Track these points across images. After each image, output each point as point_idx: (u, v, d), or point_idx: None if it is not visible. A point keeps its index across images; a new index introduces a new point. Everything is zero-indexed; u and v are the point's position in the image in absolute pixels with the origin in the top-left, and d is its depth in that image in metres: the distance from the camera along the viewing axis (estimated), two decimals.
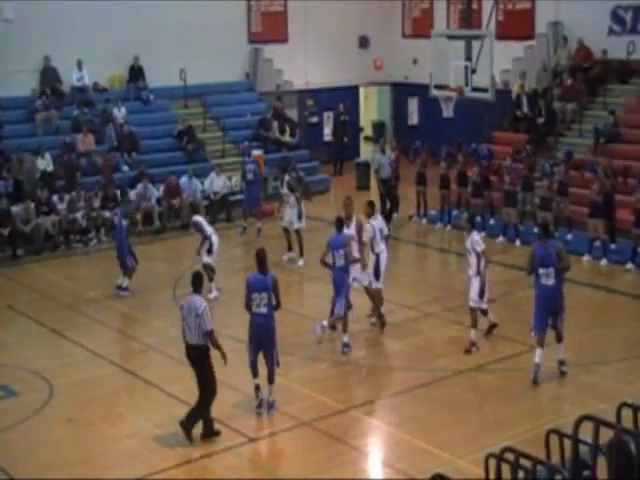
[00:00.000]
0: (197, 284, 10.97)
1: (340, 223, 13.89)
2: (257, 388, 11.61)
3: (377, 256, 14.38)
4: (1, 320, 15.91)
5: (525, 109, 24.01)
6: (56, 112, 23.05)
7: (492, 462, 7.22)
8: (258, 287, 11.37)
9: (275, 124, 25.71)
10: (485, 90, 19.45)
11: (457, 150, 22.04)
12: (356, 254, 14.01)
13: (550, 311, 12.46)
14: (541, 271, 12.35)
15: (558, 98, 23.76)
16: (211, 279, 16.07)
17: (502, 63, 23.91)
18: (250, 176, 21.08)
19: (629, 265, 17.62)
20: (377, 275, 14.38)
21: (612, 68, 23.55)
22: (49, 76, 23.63)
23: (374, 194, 24.35)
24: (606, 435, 7.15)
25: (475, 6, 25.68)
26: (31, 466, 10.45)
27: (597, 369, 12.88)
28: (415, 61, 28.78)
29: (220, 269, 16.52)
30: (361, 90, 30.55)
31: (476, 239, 13.60)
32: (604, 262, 17.96)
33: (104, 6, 23.84)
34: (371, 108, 32.04)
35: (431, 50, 20.69)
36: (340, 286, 13.59)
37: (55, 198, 20.60)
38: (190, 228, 17.53)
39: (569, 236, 18.99)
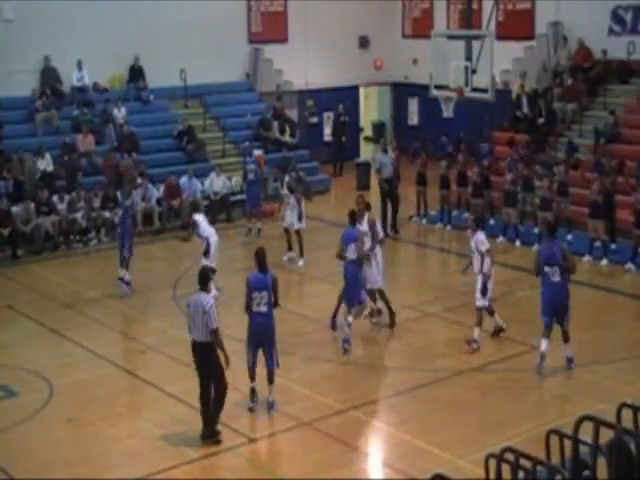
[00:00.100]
0: (204, 282, 10.96)
1: (353, 216, 14.02)
2: (252, 392, 11.62)
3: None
4: (1, 320, 15.91)
5: (525, 109, 24.01)
6: (56, 112, 23.05)
7: (492, 462, 7.21)
8: (258, 286, 11.39)
9: (275, 124, 25.71)
10: (485, 90, 19.44)
11: (457, 149, 22.06)
12: (367, 250, 14.07)
13: (556, 309, 12.57)
14: (546, 269, 12.49)
15: (558, 98, 23.76)
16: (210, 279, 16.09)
17: (502, 63, 23.91)
18: (251, 176, 21.08)
19: (629, 265, 17.62)
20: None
21: (612, 68, 23.55)
22: (49, 76, 23.63)
23: (375, 194, 24.36)
24: (606, 435, 7.15)
25: (475, 6, 25.67)
26: (31, 466, 10.45)
27: (597, 369, 12.88)
28: (415, 61, 28.79)
29: (220, 269, 16.48)
30: (361, 90, 30.54)
31: (481, 239, 13.66)
32: (604, 262, 17.97)
33: (104, 6, 23.84)
34: (371, 108, 32.04)
35: (431, 50, 20.69)
36: (353, 278, 13.66)
37: (55, 198, 20.60)
38: (190, 228, 17.52)
39: (569, 236, 18.97)
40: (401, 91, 30.47)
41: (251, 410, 11.58)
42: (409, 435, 11.05)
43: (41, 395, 12.31)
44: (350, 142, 28.63)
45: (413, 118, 30.17)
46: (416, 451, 10.62)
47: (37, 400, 12.14)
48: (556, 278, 12.50)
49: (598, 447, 7.10)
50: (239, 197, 22.92)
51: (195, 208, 17.46)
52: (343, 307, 14.07)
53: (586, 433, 7.23)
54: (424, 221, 21.81)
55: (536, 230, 19.38)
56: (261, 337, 11.47)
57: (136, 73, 24.89)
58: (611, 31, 23.95)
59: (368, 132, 31.99)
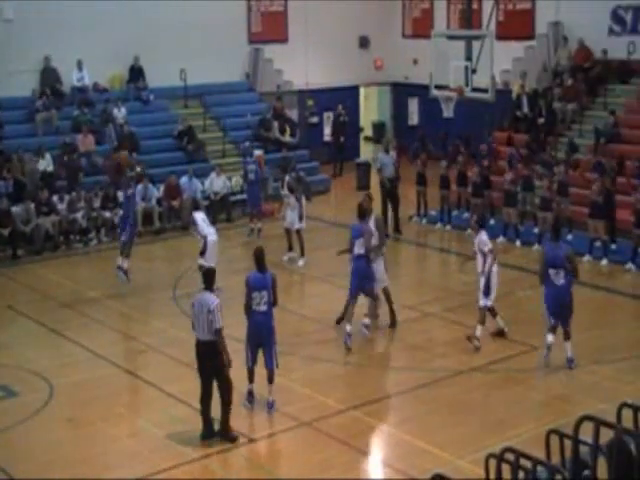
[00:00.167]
0: (209, 281, 10.96)
1: (362, 211, 14.10)
2: (250, 394, 11.62)
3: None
4: (1, 320, 15.91)
5: (525, 109, 24.01)
6: (56, 112, 23.05)
7: (492, 462, 7.21)
8: (258, 286, 11.41)
9: (275, 124, 25.70)
10: (485, 90, 19.45)
11: (457, 150, 22.06)
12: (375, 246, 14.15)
13: (560, 311, 12.64)
14: (551, 271, 12.56)
15: (558, 98, 23.76)
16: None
17: (502, 63, 23.91)
18: (252, 176, 21.08)
19: (629, 265, 17.63)
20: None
21: (612, 68, 23.56)
22: (49, 76, 23.63)
23: (375, 194, 24.37)
24: (606, 435, 7.15)
25: (475, 6, 25.67)
26: (31, 466, 10.45)
27: (597, 369, 12.88)
28: (415, 61, 28.78)
29: (220, 269, 16.40)
30: (361, 90, 30.54)
31: (483, 239, 13.70)
32: (604, 262, 17.97)
33: (104, 6, 23.84)
34: (371, 108, 32.04)
35: (431, 50, 20.69)
36: (363, 272, 13.72)
37: (55, 198, 20.60)
38: (190, 227, 17.58)
39: (569, 236, 18.97)
40: (401, 91, 30.46)
41: (246, 406, 11.58)
42: (409, 435, 11.05)
43: (41, 395, 12.31)
44: (350, 142, 28.62)
45: (413, 118, 30.17)
46: (416, 451, 10.62)
47: (37, 400, 12.14)
48: (560, 280, 12.57)
49: (598, 447, 7.10)
50: (239, 197, 22.93)
51: (196, 206, 17.42)
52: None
53: (586, 433, 7.22)
54: (424, 221, 21.81)
55: (536, 230, 19.40)
56: (260, 336, 11.48)
57: (136, 73, 24.89)
58: (611, 31, 23.96)
59: (368, 132, 32.00)
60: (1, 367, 13.53)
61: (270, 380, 11.58)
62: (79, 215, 20.55)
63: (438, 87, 19.84)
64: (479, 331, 13.66)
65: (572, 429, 7.34)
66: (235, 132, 25.29)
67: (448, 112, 19.81)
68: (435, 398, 12.17)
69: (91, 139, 22.66)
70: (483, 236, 13.74)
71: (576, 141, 22.50)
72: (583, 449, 7.28)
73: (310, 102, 28.77)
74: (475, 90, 19.32)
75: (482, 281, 13.60)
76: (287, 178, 18.88)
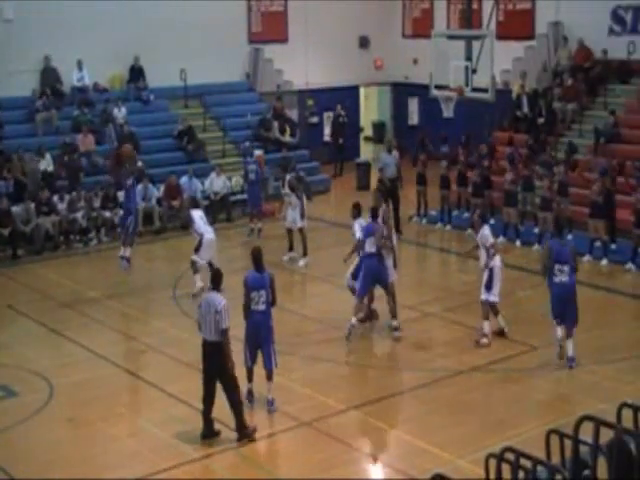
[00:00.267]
0: (216, 282, 10.96)
1: (374, 212, 14.27)
2: (250, 393, 11.63)
3: (361, 258, 14.44)
4: (1, 320, 15.92)
5: (525, 109, 24.00)
6: (56, 112, 23.05)
7: (492, 462, 7.21)
8: (256, 285, 11.44)
9: (275, 124, 25.70)
10: (485, 90, 19.44)
11: (457, 152, 22.07)
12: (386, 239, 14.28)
13: (565, 307, 12.77)
14: (557, 267, 12.63)
15: (558, 98, 23.76)
16: (196, 271, 16.31)
17: (502, 63, 23.89)
18: (252, 177, 21.09)
19: (629, 265, 17.63)
20: (355, 276, 14.48)
21: (612, 68, 23.55)
22: (49, 76, 23.63)
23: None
24: (606, 435, 7.15)
25: (475, 6, 25.67)
26: (31, 466, 10.45)
27: (597, 369, 12.88)
28: (415, 61, 28.77)
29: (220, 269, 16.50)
30: (361, 90, 30.54)
31: (485, 234, 13.82)
32: (604, 262, 17.98)
33: (104, 6, 23.84)
34: (371, 108, 32.03)
35: (431, 50, 20.69)
36: (375, 270, 13.80)
37: (55, 198, 20.61)
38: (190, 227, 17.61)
39: (569, 236, 18.97)
40: (401, 91, 30.45)
41: (247, 408, 11.58)
42: (409, 435, 11.06)
43: (41, 395, 12.31)
44: (350, 142, 28.60)
45: (413, 118, 30.16)
46: (416, 451, 10.62)
47: (37, 400, 12.14)
48: (565, 277, 12.66)
49: (598, 447, 7.10)
50: (239, 197, 22.94)
51: (194, 204, 17.43)
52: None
53: (586, 433, 7.22)
54: (424, 221, 21.81)
55: (536, 230, 19.40)
56: (259, 336, 11.49)
57: (136, 73, 24.89)
58: (611, 31, 23.95)
59: (368, 132, 31.99)
60: (1, 367, 13.53)
61: (269, 378, 11.59)
62: (79, 215, 20.55)
63: (438, 87, 19.84)
64: (486, 327, 13.75)
65: (572, 429, 7.34)
66: (235, 132, 25.29)
67: (448, 112, 19.81)
68: (435, 398, 12.17)
69: (91, 139, 22.66)
70: (485, 231, 13.86)
71: (576, 141, 22.51)
72: (583, 449, 7.28)
73: (310, 102, 28.76)
74: (475, 90, 19.32)
75: (485, 276, 13.70)
76: (288, 177, 18.89)
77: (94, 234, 20.73)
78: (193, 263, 16.35)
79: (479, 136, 23.52)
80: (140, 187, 20.94)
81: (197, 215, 16.55)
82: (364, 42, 29.81)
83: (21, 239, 19.87)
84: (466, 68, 19.16)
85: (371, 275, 13.96)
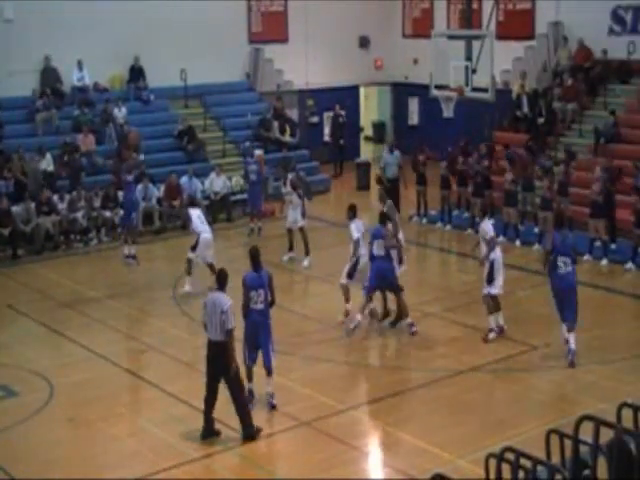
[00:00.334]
0: (222, 282, 10.96)
1: (383, 216, 14.49)
2: (250, 393, 11.63)
3: (357, 258, 14.50)
4: (1, 320, 15.92)
5: (525, 109, 24.00)
6: (56, 112, 23.06)
7: (492, 462, 7.21)
8: (255, 285, 11.46)
9: (275, 124, 25.71)
10: (485, 90, 19.45)
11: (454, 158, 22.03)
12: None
13: (567, 297, 12.92)
14: (560, 259, 12.82)
15: (558, 98, 23.76)
16: (188, 273, 16.29)
17: (502, 63, 23.90)
18: (253, 177, 21.10)
19: (629, 265, 17.63)
20: (350, 275, 14.54)
21: (612, 68, 23.54)
22: (49, 76, 23.64)
23: (374, 194, 24.33)
24: (606, 435, 7.15)
25: (475, 6, 25.68)
26: (31, 466, 10.45)
27: (597, 369, 12.88)
28: (415, 61, 28.77)
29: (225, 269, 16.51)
30: (361, 90, 30.54)
31: (485, 227, 13.97)
32: (604, 262, 17.98)
33: (104, 6, 23.84)
34: (371, 108, 32.01)
35: (431, 50, 20.69)
36: (382, 272, 13.91)
37: (55, 198, 20.62)
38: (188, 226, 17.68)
39: (569, 236, 18.95)
40: (401, 91, 30.45)
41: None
42: (409, 435, 11.06)
43: (41, 395, 12.31)
44: (350, 142, 28.59)
45: (413, 118, 30.16)
46: (416, 451, 10.63)
47: (37, 400, 12.15)
48: (567, 268, 12.87)
49: (598, 447, 7.10)
50: (239, 197, 22.95)
51: (192, 203, 17.45)
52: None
53: (586, 433, 7.23)
54: (424, 221, 21.81)
55: (536, 230, 19.41)
56: (258, 334, 11.50)
57: (136, 73, 24.89)
58: (611, 31, 23.95)
59: (368, 132, 31.99)
60: (1, 367, 13.53)
61: (269, 374, 11.62)
62: (79, 215, 20.55)
63: (438, 87, 19.83)
64: (492, 322, 13.83)
65: (572, 429, 7.34)
66: (235, 132, 25.30)
67: (448, 112, 19.81)
68: (435, 398, 12.17)
69: (91, 139, 22.67)
70: (485, 224, 14.00)
71: (576, 141, 22.53)
72: (583, 449, 7.28)
73: (310, 102, 28.76)
74: (475, 90, 19.31)
75: (485, 269, 13.81)
76: (290, 176, 18.88)
77: (94, 234, 20.74)
78: (188, 261, 16.38)
79: (479, 136, 23.53)
80: (140, 187, 20.95)
81: (195, 214, 16.55)
82: (364, 42, 29.81)
83: (21, 239, 19.87)
84: (466, 68, 19.16)
85: (380, 278, 14.09)
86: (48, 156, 21.59)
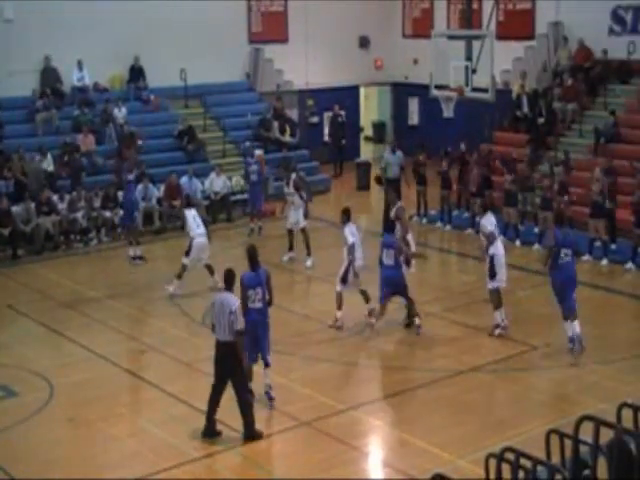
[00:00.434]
0: (229, 282, 10.97)
1: (392, 224, 14.61)
2: (250, 392, 11.64)
3: (349, 263, 14.48)
4: (1, 320, 15.92)
5: (525, 109, 24.00)
6: (56, 112, 23.06)
7: (492, 462, 7.21)
8: (252, 283, 11.48)
9: (275, 124, 25.70)
10: (485, 90, 19.44)
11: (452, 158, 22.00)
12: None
13: (568, 284, 13.10)
14: (563, 251, 13.04)
15: (558, 98, 23.75)
16: (179, 276, 16.32)
17: (502, 63, 23.90)
18: (254, 177, 21.11)
19: (629, 265, 17.63)
20: (344, 280, 14.53)
21: (612, 68, 23.54)
22: (49, 76, 23.64)
23: (374, 194, 24.42)
24: (606, 435, 7.15)
25: (475, 6, 25.68)
26: (31, 466, 10.45)
27: (597, 369, 12.88)
28: (415, 61, 28.76)
29: (220, 269, 16.46)
30: (361, 90, 30.53)
31: (483, 222, 14.10)
32: (604, 262, 17.98)
33: (104, 6, 23.84)
34: (371, 108, 32.00)
35: (431, 50, 20.68)
36: (391, 280, 13.98)
37: (55, 198, 20.62)
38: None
39: (570, 233, 18.94)
40: (401, 91, 30.45)
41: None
42: (409, 435, 11.05)
43: (41, 395, 12.31)
44: (350, 142, 28.58)
45: (413, 118, 30.16)
46: (416, 451, 10.62)
47: (37, 400, 12.14)
48: (568, 258, 13.08)
49: (598, 447, 7.10)
50: (239, 197, 22.95)
51: (187, 203, 17.38)
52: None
53: (586, 433, 7.22)
54: (424, 221, 21.81)
55: (536, 230, 19.41)
56: (257, 333, 11.50)
57: (136, 73, 24.89)
58: (611, 31, 23.95)
59: (368, 132, 31.98)
60: (1, 367, 13.53)
61: (267, 365, 11.65)
62: (79, 215, 20.56)
63: (438, 87, 19.82)
64: (498, 317, 13.91)
65: (572, 429, 7.34)
66: (235, 132, 25.30)
67: (448, 112, 19.79)
68: (435, 398, 12.17)
69: (91, 139, 22.67)
70: (484, 220, 14.13)
71: (576, 141, 22.53)
72: (583, 449, 7.28)
73: (310, 102, 28.76)
74: (475, 90, 19.30)
75: (486, 265, 13.95)
76: (293, 176, 18.85)
77: (94, 234, 20.74)
78: (183, 266, 16.36)
79: (479, 136, 23.52)
80: (140, 187, 20.94)
81: (190, 215, 16.50)
82: (364, 42, 29.81)
83: (21, 239, 19.87)
84: (466, 68, 19.14)
85: (391, 286, 14.11)
86: (48, 156, 21.60)
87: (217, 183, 22.76)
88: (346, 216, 14.77)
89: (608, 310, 16.00)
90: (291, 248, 18.66)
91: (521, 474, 6.99)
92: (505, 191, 20.09)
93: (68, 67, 23.69)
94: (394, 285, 14.10)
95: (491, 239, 13.83)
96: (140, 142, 22.91)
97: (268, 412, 11.62)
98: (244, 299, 11.45)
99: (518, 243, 19.46)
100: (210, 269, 16.57)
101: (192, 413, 11.51)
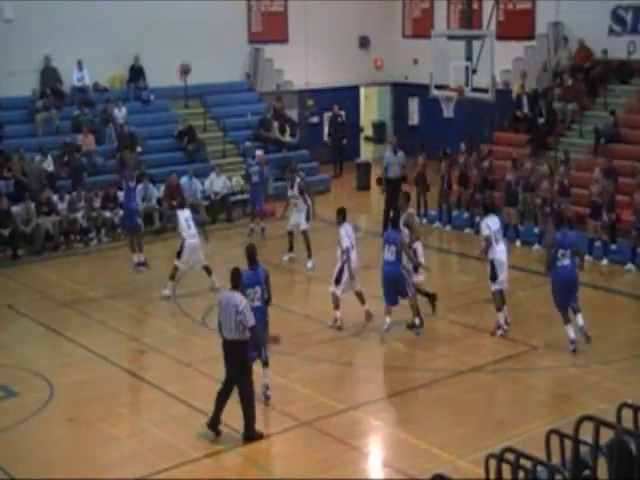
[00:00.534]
0: (235, 281, 10.97)
1: (395, 221, 14.47)
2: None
3: (343, 263, 14.46)
4: (1, 320, 15.92)
5: (525, 109, 24.00)
6: (56, 112, 23.06)
7: (492, 462, 7.21)
8: (251, 282, 11.49)
9: (275, 124, 25.70)
10: (485, 90, 19.43)
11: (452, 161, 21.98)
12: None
13: (568, 290, 13.18)
14: (560, 252, 13.11)
15: (558, 98, 23.75)
16: (172, 277, 16.36)
17: (502, 63, 23.90)
18: (255, 178, 21.11)
19: (629, 265, 17.63)
20: (338, 280, 14.50)
21: (612, 68, 23.54)
22: (49, 76, 23.64)
23: (374, 194, 24.41)
24: (606, 435, 7.15)
25: (475, 6, 25.66)
26: (31, 466, 10.45)
27: (597, 369, 12.88)
28: (415, 61, 28.75)
29: (220, 270, 16.51)
30: (361, 90, 30.53)
31: (482, 225, 14.13)
32: (604, 262, 17.98)
33: (104, 6, 23.84)
34: (371, 108, 32.01)
35: (431, 50, 20.67)
36: (391, 277, 13.93)
37: (55, 198, 20.62)
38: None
39: (569, 234, 18.92)
40: (401, 91, 30.45)
41: None
42: (409, 435, 11.05)
43: (41, 395, 12.31)
44: (350, 142, 28.57)
45: (413, 118, 30.15)
46: (416, 451, 10.62)
47: (37, 400, 12.15)
48: (566, 260, 13.13)
49: (598, 447, 7.09)
50: (239, 197, 22.94)
51: (181, 204, 17.33)
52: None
53: (586, 433, 7.22)
54: (424, 221, 21.80)
55: (536, 230, 19.40)
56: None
57: (136, 73, 24.89)
58: (611, 31, 23.95)
59: (368, 132, 31.98)
60: (1, 367, 13.53)
61: (265, 365, 11.67)
62: (79, 215, 20.56)
63: (438, 87, 19.81)
64: (501, 318, 13.91)
65: (572, 429, 7.34)
66: (235, 132, 25.30)
67: (448, 112, 19.78)
68: (435, 398, 12.17)
69: (91, 139, 22.67)
70: (483, 222, 14.15)
71: (576, 141, 22.52)
72: (583, 449, 7.28)
73: (310, 102, 28.76)
74: (475, 90, 19.29)
75: (487, 268, 14.03)
76: (298, 179, 18.82)
77: (94, 234, 20.74)
78: (175, 268, 16.36)
79: (479, 136, 23.51)
80: (140, 187, 20.93)
81: (182, 216, 16.46)
82: (364, 42, 29.81)
83: (21, 239, 19.87)
84: (466, 68, 19.14)
85: (392, 283, 14.06)
86: (49, 156, 21.60)
87: (217, 183, 22.76)
88: (341, 216, 14.72)
89: (608, 310, 15.99)
90: (291, 249, 18.65)
91: (521, 474, 6.99)
92: (505, 191, 20.05)
93: (68, 67, 23.68)
94: (394, 283, 14.07)
95: (488, 243, 13.82)
96: (139, 150, 22.76)
97: (268, 412, 11.62)
98: None
99: (518, 243, 19.46)
100: (208, 270, 16.57)
101: (192, 413, 11.52)
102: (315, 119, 28.99)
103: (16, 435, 11.26)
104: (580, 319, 13.35)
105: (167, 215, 21.67)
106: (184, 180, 22.17)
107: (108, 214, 20.88)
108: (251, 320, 10.64)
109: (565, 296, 13.25)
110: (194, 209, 20.41)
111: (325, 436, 11.05)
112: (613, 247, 18.47)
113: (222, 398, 10.88)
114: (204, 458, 10.57)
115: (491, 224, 14.05)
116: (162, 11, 24.76)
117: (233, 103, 26.27)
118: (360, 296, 14.69)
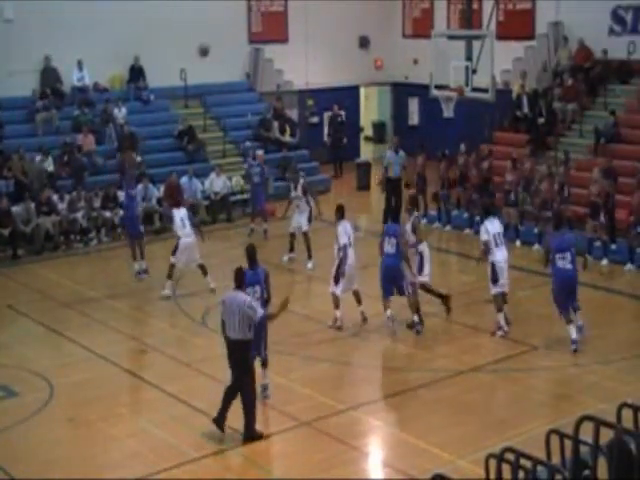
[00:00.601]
0: (239, 280, 10.97)
1: (396, 216, 14.77)
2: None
3: (340, 261, 14.46)
4: (1, 320, 15.92)
5: (525, 109, 24.00)
6: (56, 112, 23.07)
7: (492, 462, 7.21)
8: (251, 282, 11.48)
9: (275, 124, 25.70)
10: (485, 90, 19.43)
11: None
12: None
13: (569, 291, 13.22)
14: (558, 255, 13.12)
15: (558, 98, 23.76)
16: (169, 276, 16.37)
17: (502, 63, 23.90)
18: (256, 179, 21.12)
19: (629, 265, 17.63)
20: (336, 280, 14.51)
21: (612, 68, 23.55)
22: (49, 76, 23.64)
23: (374, 194, 24.40)
24: (606, 435, 7.15)
25: (475, 6, 25.66)
26: (31, 466, 10.45)
27: (597, 369, 12.88)
28: (415, 61, 28.76)
29: (220, 270, 16.53)
30: (361, 90, 30.53)
31: (481, 229, 14.16)
32: (604, 262, 17.97)
33: (104, 6, 23.84)
34: (371, 108, 32.01)
35: (431, 50, 20.67)
36: (391, 271, 13.97)
37: (55, 198, 20.62)
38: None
39: (568, 235, 18.92)
40: (401, 91, 30.45)
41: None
42: (409, 435, 11.05)
43: (41, 395, 12.31)
44: (350, 142, 28.57)
45: (413, 118, 30.16)
46: (416, 451, 10.62)
47: (37, 400, 12.14)
48: (567, 264, 13.13)
49: (598, 447, 7.10)
50: (239, 197, 22.94)
51: (176, 203, 17.30)
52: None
53: (586, 433, 7.22)
54: (424, 221, 21.76)
55: (536, 230, 19.40)
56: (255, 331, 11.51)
57: (136, 73, 24.89)
58: (611, 31, 23.95)
59: (368, 132, 31.98)
60: (1, 367, 13.53)
61: (264, 365, 11.68)
62: (79, 215, 20.56)
63: (438, 87, 19.82)
64: (501, 320, 13.94)
65: (572, 429, 7.34)
66: (235, 132, 25.30)
67: (448, 112, 19.79)
68: (435, 398, 12.17)
69: (91, 139, 22.68)
70: (483, 226, 14.17)
71: (576, 141, 22.51)
72: (583, 449, 7.28)
73: (310, 102, 28.76)
74: (475, 90, 19.30)
75: (488, 271, 14.07)
76: (302, 180, 18.82)
77: (94, 234, 20.75)
78: (171, 266, 16.35)
79: (479, 136, 23.51)
80: (140, 187, 20.93)
81: (178, 215, 16.48)
82: (364, 42, 29.82)
83: (21, 239, 19.87)
84: (466, 68, 19.15)
85: (389, 275, 14.10)
86: (49, 156, 21.60)
87: (217, 183, 22.76)
88: (340, 213, 14.72)
89: (608, 310, 15.98)
90: (292, 250, 18.65)
91: (521, 474, 6.99)
92: (505, 191, 20.04)
93: (68, 67, 23.69)
94: (393, 277, 14.06)
95: (486, 248, 13.84)
96: (139, 158, 22.71)
97: (268, 412, 11.62)
98: None
99: (518, 243, 19.45)
100: (203, 269, 16.56)
101: (192, 413, 11.52)
102: (315, 119, 28.99)
103: (16, 435, 11.26)
104: (578, 319, 13.43)
105: (167, 216, 21.68)
106: (184, 180, 22.18)
107: (108, 214, 20.88)
108: (259, 311, 10.70)
109: (566, 297, 13.29)
110: (194, 209, 20.47)
111: (325, 436, 11.05)
112: (613, 247, 18.47)
113: (229, 396, 10.87)
114: (204, 458, 10.57)
115: (490, 228, 14.01)
116: (162, 11, 24.77)
117: (233, 103, 26.27)
118: (357, 296, 14.69)
